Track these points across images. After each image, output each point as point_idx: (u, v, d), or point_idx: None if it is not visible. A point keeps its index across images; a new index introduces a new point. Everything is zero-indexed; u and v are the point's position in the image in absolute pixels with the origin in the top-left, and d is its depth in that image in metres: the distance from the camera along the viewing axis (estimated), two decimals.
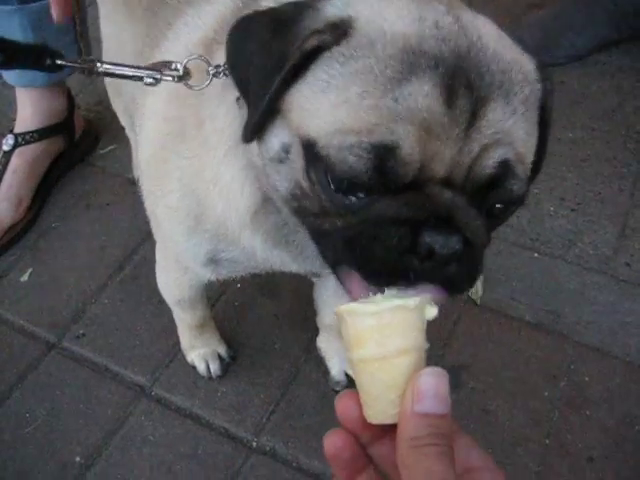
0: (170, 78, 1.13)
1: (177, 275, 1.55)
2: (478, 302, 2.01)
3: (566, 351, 1.90)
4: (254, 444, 1.75)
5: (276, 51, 0.89)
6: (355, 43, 0.87)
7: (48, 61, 1.19)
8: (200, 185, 1.16)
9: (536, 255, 2.12)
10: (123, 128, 2.18)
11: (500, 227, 2.18)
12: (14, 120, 2.34)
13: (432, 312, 0.81)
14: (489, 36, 0.90)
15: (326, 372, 1.86)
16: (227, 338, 1.92)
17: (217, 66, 1.07)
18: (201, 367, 1.88)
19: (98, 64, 1.19)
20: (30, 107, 2.28)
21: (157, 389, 1.85)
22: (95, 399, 1.85)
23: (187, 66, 1.11)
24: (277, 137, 0.93)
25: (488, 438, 1.73)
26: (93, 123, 2.54)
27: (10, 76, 2.24)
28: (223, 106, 1.08)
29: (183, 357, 1.90)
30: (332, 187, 0.87)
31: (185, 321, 1.81)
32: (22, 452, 1.77)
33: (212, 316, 1.87)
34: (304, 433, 1.76)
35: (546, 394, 1.82)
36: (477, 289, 2.03)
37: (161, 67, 1.17)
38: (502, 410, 1.80)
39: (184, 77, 1.12)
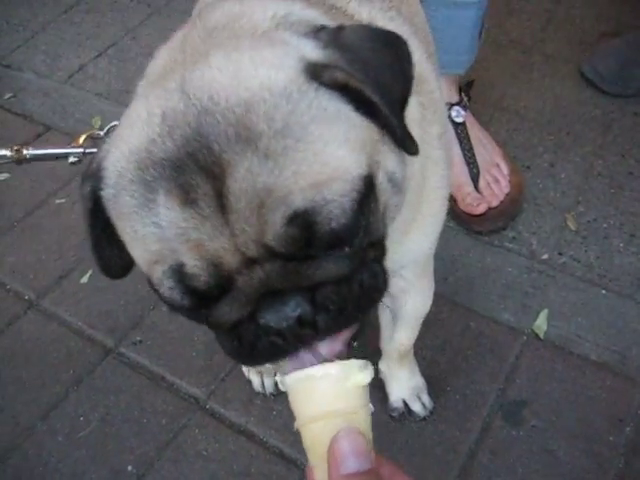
0: (93, 150, 1.16)
1: None
2: (542, 336, 1.96)
3: (633, 395, 1.83)
4: None
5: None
6: (111, 182, 0.84)
7: None
8: None
9: (603, 292, 2.06)
10: None
11: (567, 261, 2.13)
12: None
13: (359, 377, 0.80)
14: (222, 82, 0.79)
15: (385, 397, 1.82)
16: None
17: None
18: (255, 381, 1.86)
19: (25, 151, 1.26)
20: None
21: (212, 402, 1.84)
22: (150, 408, 1.84)
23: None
24: None
25: None
26: None
27: None
28: None
29: (239, 372, 1.88)
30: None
31: None
32: (75, 455, 1.77)
33: None
34: None
35: (611, 439, 1.75)
36: (541, 322, 1.98)
37: (86, 142, 1.21)
38: (564, 451, 1.74)
39: None
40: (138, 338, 1.98)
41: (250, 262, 0.79)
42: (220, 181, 0.76)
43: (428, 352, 1.91)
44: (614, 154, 2.41)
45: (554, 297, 2.04)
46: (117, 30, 3.14)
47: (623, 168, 2.37)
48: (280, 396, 1.84)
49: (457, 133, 2.24)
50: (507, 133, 2.49)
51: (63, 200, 2.41)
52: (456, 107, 2.23)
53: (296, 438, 1.74)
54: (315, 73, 0.80)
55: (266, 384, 1.85)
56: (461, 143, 2.24)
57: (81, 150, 1.22)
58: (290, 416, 1.82)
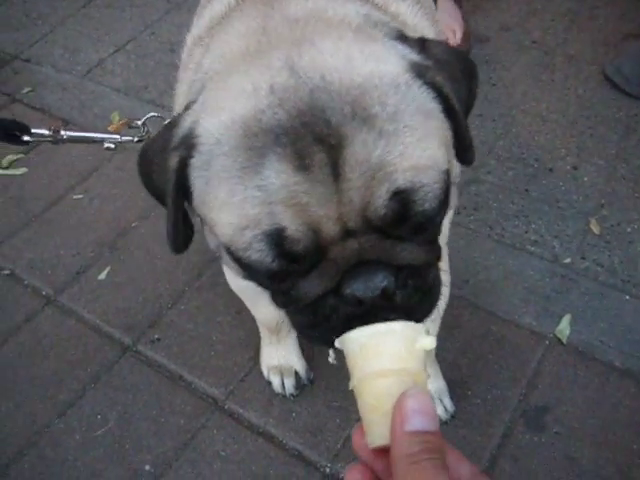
0: (129, 137, 1.23)
1: None
2: (564, 341, 1.93)
3: None
4: (327, 470, 1.70)
5: (163, 176, 0.93)
6: (205, 149, 0.89)
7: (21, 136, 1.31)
8: None
9: (627, 297, 2.03)
10: None
11: (590, 265, 2.09)
12: None
13: (427, 341, 0.81)
14: (335, 65, 0.87)
15: None
16: (307, 358, 1.87)
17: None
18: (275, 381, 1.84)
19: (62, 132, 1.29)
20: None
21: (231, 403, 1.82)
22: (168, 407, 1.82)
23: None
24: (210, 239, 0.98)
25: None
26: None
27: None
28: None
29: (258, 372, 1.87)
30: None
31: (260, 320, 1.78)
32: (92, 454, 1.76)
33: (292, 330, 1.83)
34: None
35: (635, 447, 1.73)
36: (563, 327, 1.95)
37: (122, 128, 1.28)
38: (587, 459, 1.71)
39: (144, 137, 1.23)
40: (156, 336, 1.97)
41: (346, 234, 0.85)
42: (336, 151, 0.82)
43: (449, 355, 1.89)
44: (638, 157, 2.37)
45: (577, 302, 2.01)
46: (136, 25, 3.13)
47: None
48: (300, 397, 1.82)
49: None
50: (529, 135, 2.46)
51: (81, 196, 2.40)
52: None
53: (316, 440, 1.74)
54: (420, 72, 0.90)
55: (286, 385, 1.84)
56: None
57: (117, 136, 1.22)
58: (310, 419, 1.81)
